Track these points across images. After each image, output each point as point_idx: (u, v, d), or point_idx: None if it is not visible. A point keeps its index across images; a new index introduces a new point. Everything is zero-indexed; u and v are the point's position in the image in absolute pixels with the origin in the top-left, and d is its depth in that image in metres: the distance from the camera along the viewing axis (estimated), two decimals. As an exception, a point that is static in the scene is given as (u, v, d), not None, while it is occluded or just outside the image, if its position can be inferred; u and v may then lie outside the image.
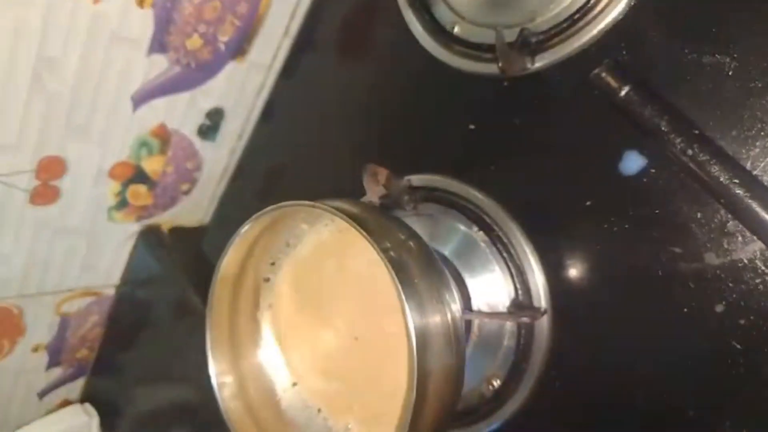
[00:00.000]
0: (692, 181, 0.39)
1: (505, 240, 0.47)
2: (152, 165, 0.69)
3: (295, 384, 0.50)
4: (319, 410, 0.49)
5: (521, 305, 0.46)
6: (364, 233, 0.38)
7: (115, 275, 0.76)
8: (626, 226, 0.42)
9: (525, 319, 0.44)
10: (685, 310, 0.40)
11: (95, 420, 0.78)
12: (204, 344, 0.72)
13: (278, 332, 0.50)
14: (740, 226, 0.38)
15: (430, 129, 0.53)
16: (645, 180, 0.41)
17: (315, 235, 0.49)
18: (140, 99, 0.63)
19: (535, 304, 0.46)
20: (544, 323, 0.46)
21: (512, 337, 0.47)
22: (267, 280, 0.51)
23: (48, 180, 0.62)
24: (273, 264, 0.51)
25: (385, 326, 0.44)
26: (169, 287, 0.74)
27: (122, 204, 0.69)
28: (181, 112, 0.67)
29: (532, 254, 0.46)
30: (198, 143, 0.71)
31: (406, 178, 0.52)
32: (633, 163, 0.42)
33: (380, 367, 0.46)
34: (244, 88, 0.69)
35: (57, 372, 0.80)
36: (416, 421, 0.37)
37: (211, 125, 0.70)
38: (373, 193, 0.50)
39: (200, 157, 0.72)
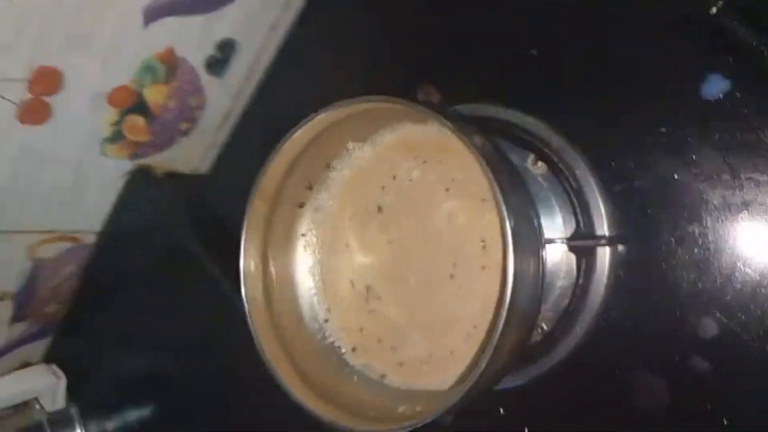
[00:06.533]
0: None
1: (566, 171, 0.44)
2: (154, 95, 0.62)
3: (327, 321, 0.45)
4: (354, 349, 0.45)
5: (585, 236, 0.43)
6: (461, 134, 0.34)
7: (98, 220, 0.69)
8: (704, 153, 0.40)
9: (604, 242, 0.41)
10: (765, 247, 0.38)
11: (62, 382, 0.70)
12: (195, 304, 0.67)
13: (315, 262, 0.46)
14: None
15: (482, 55, 0.49)
16: (728, 105, 0.39)
17: (363, 155, 0.45)
18: (152, 14, 0.57)
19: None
20: (605, 260, 0.43)
21: (567, 277, 0.44)
22: (301, 205, 0.46)
23: (41, 94, 0.55)
24: (310, 189, 0.46)
25: (465, 252, 0.40)
26: (161, 238, 0.68)
27: (117, 136, 0.63)
28: (192, 38, 0.61)
29: (597, 185, 0.43)
30: (204, 77, 0.65)
31: (453, 108, 0.49)
32: (716, 86, 0.40)
33: (447, 304, 0.42)
34: (260, 21, 0.64)
35: (20, 328, 0.72)
36: (497, 352, 0.33)
37: (221, 59, 0.65)
38: (427, 115, 0.46)
39: (205, 93, 0.66)
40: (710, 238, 0.40)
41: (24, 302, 0.70)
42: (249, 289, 0.41)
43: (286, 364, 0.41)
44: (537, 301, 0.35)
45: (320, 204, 0.46)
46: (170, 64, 0.62)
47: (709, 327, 0.40)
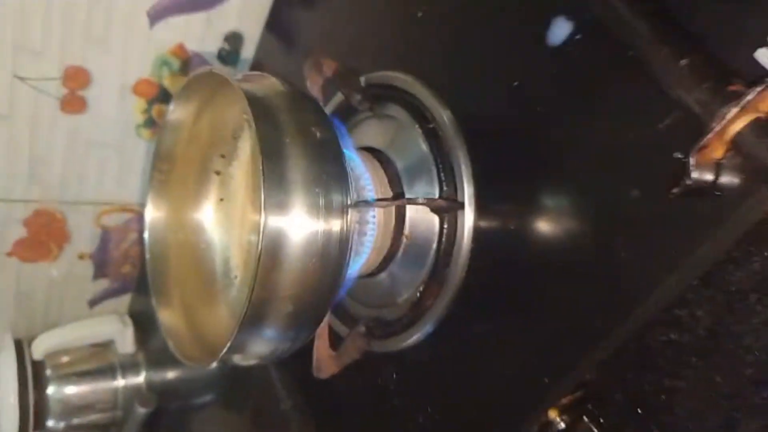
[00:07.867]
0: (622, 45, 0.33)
1: (440, 132, 0.43)
2: (175, 85, 0.72)
3: (236, 277, 0.50)
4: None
5: (442, 199, 0.42)
6: (247, 100, 0.36)
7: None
8: (553, 105, 0.37)
9: (420, 200, 0.39)
10: (602, 195, 0.34)
11: (129, 330, 0.84)
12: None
13: (230, 225, 0.51)
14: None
15: (377, 22, 0.50)
16: (571, 49, 0.36)
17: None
18: (156, 15, 0.66)
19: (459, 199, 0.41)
20: (467, 223, 0.41)
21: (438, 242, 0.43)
22: (218, 173, 0.51)
23: (75, 89, 0.68)
24: (223, 157, 0.51)
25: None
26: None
27: (150, 122, 0.74)
28: (199, 33, 0.70)
29: (462, 147, 0.42)
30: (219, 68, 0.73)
31: (363, 77, 0.50)
32: (560, 30, 0.36)
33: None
34: (260, 13, 0.70)
35: (104, 283, 0.88)
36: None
37: (231, 50, 0.72)
38: (314, 84, 0.49)
39: (223, 82, 0.74)
40: (570, 199, 0.36)
41: (102, 262, 0.85)
42: (151, 245, 0.48)
43: (177, 309, 0.47)
44: (327, 263, 0.35)
45: (233, 172, 0.50)
46: (184, 58, 0.71)
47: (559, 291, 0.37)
